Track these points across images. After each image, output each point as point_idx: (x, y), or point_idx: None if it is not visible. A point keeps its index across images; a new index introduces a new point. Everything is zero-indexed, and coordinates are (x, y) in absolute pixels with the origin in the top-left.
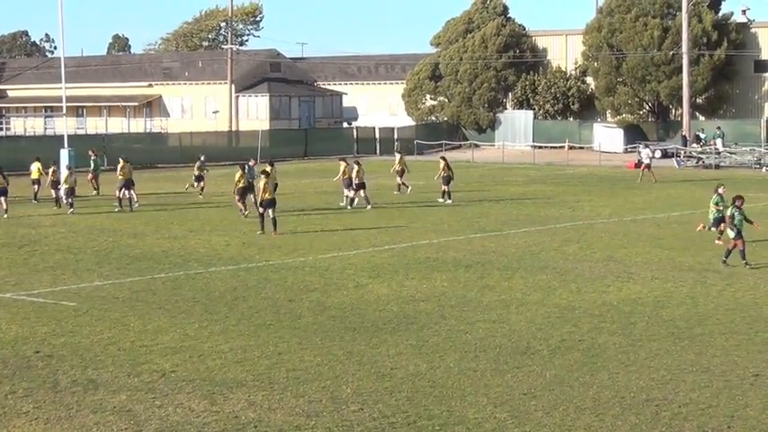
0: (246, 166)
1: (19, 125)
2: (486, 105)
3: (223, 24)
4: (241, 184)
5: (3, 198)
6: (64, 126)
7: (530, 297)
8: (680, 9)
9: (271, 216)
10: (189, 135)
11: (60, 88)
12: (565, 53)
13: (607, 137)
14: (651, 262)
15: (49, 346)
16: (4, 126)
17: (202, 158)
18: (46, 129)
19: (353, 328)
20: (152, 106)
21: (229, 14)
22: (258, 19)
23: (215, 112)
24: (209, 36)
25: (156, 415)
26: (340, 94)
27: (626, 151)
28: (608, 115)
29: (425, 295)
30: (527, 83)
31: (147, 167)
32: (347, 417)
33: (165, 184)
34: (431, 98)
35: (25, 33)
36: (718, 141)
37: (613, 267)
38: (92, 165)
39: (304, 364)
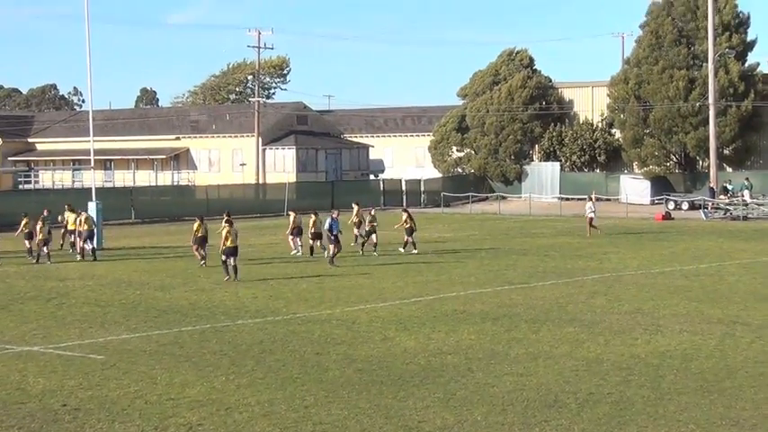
0: (330, 218)
1: (47, 178)
2: (513, 157)
3: (250, 77)
4: (199, 234)
5: None
6: (92, 179)
7: (557, 350)
8: (706, 60)
9: (232, 264)
10: (216, 188)
11: (88, 141)
12: (591, 105)
13: (634, 188)
14: (679, 314)
15: (76, 400)
16: (32, 179)
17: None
18: (74, 182)
19: (380, 381)
20: (179, 159)
21: (257, 68)
22: (285, 72)
23: (242, 164)
24: (237, 89)
25: None
26: (366, 147)
27: (653, 203)
28: (635, 167)
29: (452, 348)
30: (554, 134)
31: (175, 220)
32: None
33: (192, 236)
34: (457, 150)
35: (54, 87)
36: (746, 193)
37: (641, 320)
38: (66, 219)
39: (331, 418)
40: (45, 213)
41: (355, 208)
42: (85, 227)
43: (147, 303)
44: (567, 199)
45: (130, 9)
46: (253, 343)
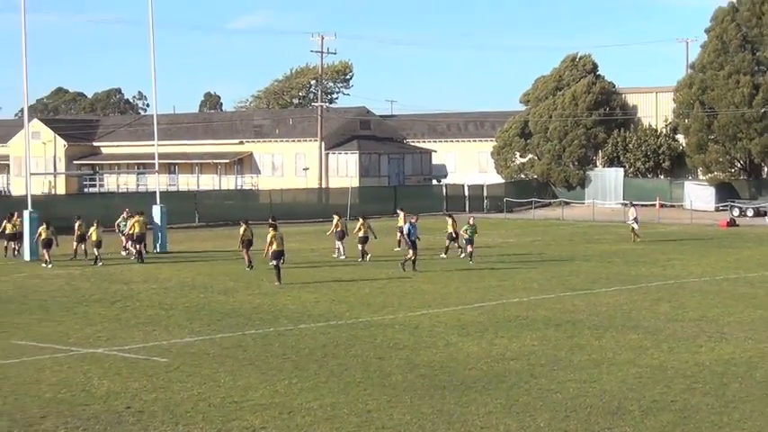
0: (409, 223)
1: (112, 182)
2: (576, 163)
3: (313, 82)
4: (245, 238)
5: (47, 250)
6: (156, 183)
7: (621, 356)
8: None
9: (275, 264)
10: (279, 192)
11: (153, 145)
12: (655, 110)
13: (698, 195)
14: (744, 322)
15: (140, 402)
16: (97, 182)
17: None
18: (138, 185)
19: (443, 386)
20: (243, 163)
21: (319, 72)
22: (348, 77)
23: (305, 169)
24: (300, 94)
25: None
26: (429, 152)
27: (717, 209)
28: (699, 173)
29: (515, 354)
30: (617, 140)
31: (238, 224)
32: None
33: (255, 240)
34: (520, 156)
35: (119, 91)
36: None
37: (706, 327)
38: (124, 225)
39: (393, 422)
40: (124, 215)
41: (401, 214)
42: (137, 229)
43: (211, 307)
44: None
45: (195, 14)
46: (315, 347)
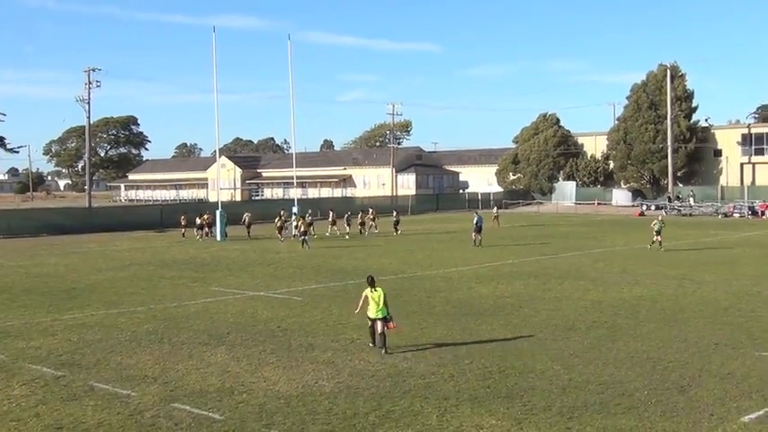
0: (476, 215)
1: (268, 193)
2: (547, 179)
3: (388, 132)
4: (279, 224)
5: (279, 232)
6: (294, 194)
7: (574, 295)
8: (666, 118)
9: (301, 238)
10: (368, 198)
11: (292, 171)
12: (595, 146)
13: (621, 197)
14: (649, 273)
15: (285, 323)
16: (259, 193)
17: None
18: (284, 195)
19: (466, 313)
20: (346, 181)
21: (392, 126)
22: (409, 129)
23: (383, 184)
24: (380, 139)
25: (349, 365)
26: (457, 173)
27: (633, 206)
28: (622, 184)
29: (509, 293)
30: (573, 165)
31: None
32: (462, 368)
33: (275, 223)
34: (512, 174)
35: (272, 139)
36: (691, 199)
37: (626, 277)
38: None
39: (437, 335)
40: (286, 212)
41: (394, 213)
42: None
43: (327, 266)
44: (580, 203)
45: (314, 90)
46: (390, 290)
